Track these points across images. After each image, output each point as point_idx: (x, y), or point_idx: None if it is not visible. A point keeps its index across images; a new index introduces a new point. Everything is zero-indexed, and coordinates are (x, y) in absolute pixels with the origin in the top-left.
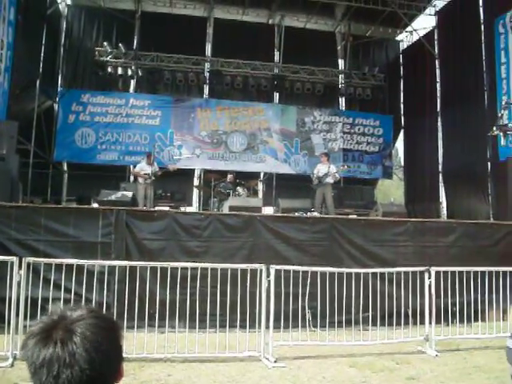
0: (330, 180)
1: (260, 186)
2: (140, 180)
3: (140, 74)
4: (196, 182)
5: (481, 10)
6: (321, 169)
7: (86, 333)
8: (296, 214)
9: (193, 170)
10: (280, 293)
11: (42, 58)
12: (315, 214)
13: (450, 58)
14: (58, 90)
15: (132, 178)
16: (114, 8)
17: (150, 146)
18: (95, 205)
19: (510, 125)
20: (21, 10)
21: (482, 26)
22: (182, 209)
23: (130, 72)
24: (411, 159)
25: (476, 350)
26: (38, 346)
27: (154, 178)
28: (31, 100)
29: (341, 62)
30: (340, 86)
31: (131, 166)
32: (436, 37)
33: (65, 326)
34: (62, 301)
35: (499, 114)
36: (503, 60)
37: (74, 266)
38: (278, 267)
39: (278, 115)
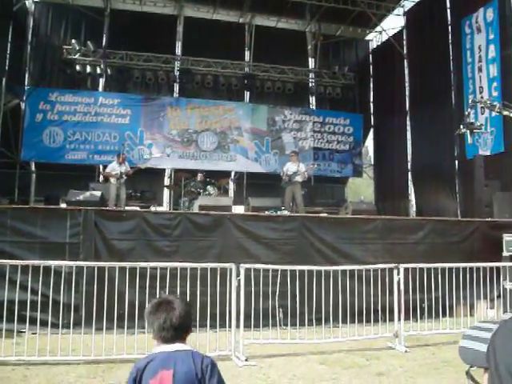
0: (299, 179)
1: (231, 185)
2: (112, 180)
3: (109, 72)
4: (166, 181)
5: (448, 10)
6: (290, 167)
7: (178, 304)
8: (266, 212)
9: (163, 170)
10: (250, 292)
11: (8, 56)
12: (285, 212)
13: (418, 58)
14: (25, 88)
15: (102, 178)
16: (82, 5)
17: (119, 145)
18: (63, 205)
19: (476, 123)
20: None
21: (450, 27)
22: (153, 208)
23: (98, 70)
24: (381, 157)
25: (444, 345)
26: (152, 313)
27: (125, 177)
28: None
29: (311, 61)
30: (310, 84)
31: (101, 166)
32: (405, 37)
33: (167, 302)
34: (28, 303)
35: (466, 113)
36: (469, 60)
37: (41, 267)
38: (248, 266)
39: (248, 114)
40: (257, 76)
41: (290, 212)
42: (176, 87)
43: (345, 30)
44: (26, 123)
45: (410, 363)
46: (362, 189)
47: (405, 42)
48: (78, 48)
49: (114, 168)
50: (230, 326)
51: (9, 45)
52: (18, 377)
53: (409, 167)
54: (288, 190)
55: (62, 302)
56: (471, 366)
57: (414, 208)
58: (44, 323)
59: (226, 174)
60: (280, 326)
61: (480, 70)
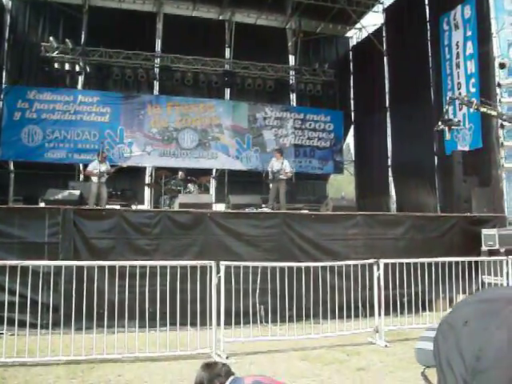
0: (282, 177)
1: (212, 183)
2: (94, 179)
3: (88, 70)
4: (147, 179)
5: (427, 7)
6: (275, 164)
7: None
8: (247, 209)
9: (144, 168)
10: (231, 289)
11: None
12: (266, 209)
13: (397, 55)
14: (3, 86)
15: (82, 177)
16: (60, 2)
17: (99, 144)
18: (42, 204)
19: (454, 120)
20: None
21: (428, 24)
22: (134, 207)
23: (77, 68)
24: (361, 154)
25: None
26: None
27: (106, 176)
28: None
29: (291, 58)
30: (291, 81)
31: (81, 165)
32: (384, 34)
33: None
34: (6, 303)
35: (444, 109)
36: (447, 56)
37: (19, 268)
38: (228, 263)
39: (229, 111)
40: (237, 73)
41: (272, 209)
42: (156, 85)
43: (325, 27)
44: (3, 122)
45: (390, 358)
46: (343, 185)
47: (384, 39)
48: (56, 45)
49: (95, 167)
50: (210, 324)
51: None
52: None
53: (389, 163)
54: (273, 187)
55: (40, 303)
56: (426, 367)
57: (395, 204)
58: (22, 324)
59: (207, 171)
60: (261, 323)
61: (458, 66)
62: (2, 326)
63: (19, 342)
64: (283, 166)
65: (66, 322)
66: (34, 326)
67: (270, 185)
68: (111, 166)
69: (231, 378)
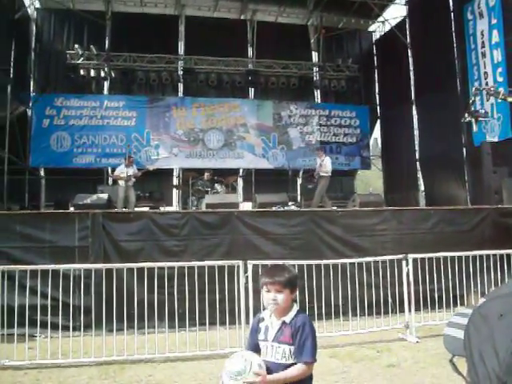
0: (322, 174)
1: (239, 183)
2: (120, 182)
3: (113, 75)
4: (175, 181)
5: None
6: (318, 162)
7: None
8: (273, 208)
9: (171, 170)
10: (259, 288)
11: (12, 64)
12: (293, 207)
13: (422, 47)
14: (31, 95)
15: (111, 181)
16: (83, 10)
17: (126, 147)
18: (72, 209)
19: (481, 111)
20: None
21: (452, 14)
22: (162, 209)
23: (102, 74)
24: (389, 148)
25: None
26: None
27: (134, 179)
28: (3, 106)
29: (314, 55)
30: (315, 78)
31: (109, 169)
32: (407, 26)
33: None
34: (39, 307)
35: (470, 101)
36: (472, 46)
37: (50, 271)
38: (256, 262)
39: (253, 110)
40: (260, 72)
41: (299, 206)
42: (180, 87)
43: (347, 22)
44: (33, 129)
45: (422, 354)
46: (372, 181)
47: (408, 32)
48: (81, 52)
49: (122, 170)
50: (239, 323)
51: (12, 53)
52: (31, 380)
53: (417, 157)
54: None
55: (72, 305)
56: (454, 355)
57: (424, 198)
58: (55, 326)
59: (234, 171)
60: None
61: (484, 55)
62: (35, 329)
63: (52, 344)
64: (323, 163)
65: (98, 323)
66: (66, 328)
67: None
68: (138, 169)
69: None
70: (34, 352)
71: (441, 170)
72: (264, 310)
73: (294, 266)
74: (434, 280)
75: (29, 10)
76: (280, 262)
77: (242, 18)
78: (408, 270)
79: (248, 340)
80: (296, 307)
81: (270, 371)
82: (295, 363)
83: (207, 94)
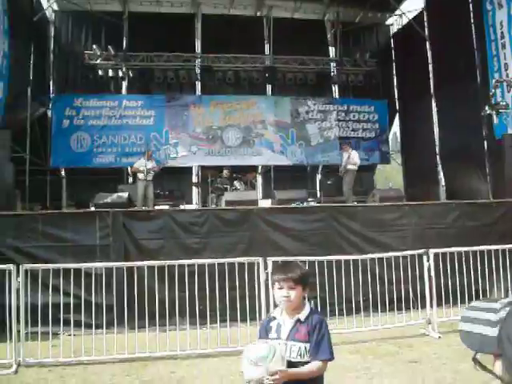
0: (350, 167)
1: (258, 180)
2: (140, 176)
3: (131, 74)
4: (194, 179)
5: None
6: (344, 156)
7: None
8: (293, 204)
9: (190, 168)
10: None
11: (31, 66)
12: (312, 203)
13: (440, 39)
14: (51, 96)
15: (131, 180)
16: (100, 10)
17: (145, 147)
18: (92, 208)
19: (501, 103)
20: (9, 18)
21: (470, 5)
22: (182, 207)
23: (120, 73)
24: (408, 143)
25: None
26: None
27: (152, 173)
28: (24, 108)
29: (331, 50)
30: (332, 73)
31: (129, 168)
32: (425, 18)
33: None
34: (62, 305)
35: (490, 93)
36: (492, 37)
37: (72, 270)
38: (276, 259)
39: (271, 107)
40: (278, 68)
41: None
42: (198, 85)
43: (364, 16)
44: (53, 130)
45: (444, 349)
46: (392, 175)
47: (426, 24)
48: (99, 53)
49: (142, 164)
50: (260, 320)
51: (32, 55)
52: (55, 378)
53: (437, 151)
54: (343, 180)
55: (94, 303)
56: (477, 352)
57: (445, 192)
58: (78, 324)
59: (253, 168)
60: None
61: (504, 46)
62: (58, 327)
63: (76, 341)
64: (351, 156)
65: (120, 321)
66: (89, 326)
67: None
68: (157, 164)
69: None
70: (58, 350)
71: (461, 163)
72: (274, 308)
73: (314, 262)
74: (456, 275)
75: (47, 13)
76: (296, 258)
77: (258, 14)
78: (429, 264)
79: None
80: (308, 305)
81: None
82: (309, 361)
83: (225, 92)
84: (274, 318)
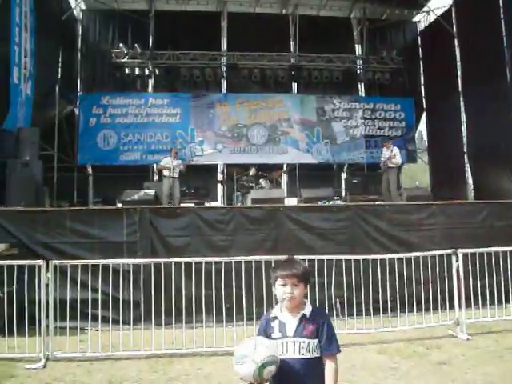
0: (391, 164)
1: (283, 178)
2: (165, 172)
3: (157, 72)
4: (219, 177)
5: None
6: (385, 154)
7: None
8: (319, 202)
9: (215, 166)
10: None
11: (60, 65)
12: (338, 202)
13: (469, 36)
14: (78, 94)
15: (156, 178)
16: (127, 9)
17: (171, 144)
18: (119, 205)
19: None
20: (37, 17)
21: (500, 0)
22: (207, 204)
23: (147, 72)
24: (435, 142)
25: (509, 332)
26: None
27: (178, 170)
28: (52, 106)
29: (358, 48)
30: (358, 71)
31: (154, 166)
32: (454, 15)
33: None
34: (90, 301)
35: None
36: None
37: (100, 266)
38: (302, 257)
39: (297, 105)
40: (303, 66)
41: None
42: (224, 83)
43: (391, 13)
44: (80, 128)
45: (473, 351)
46: (418, 174)
47: (454, 21)
48: (126, 51)
49: (167, 162)
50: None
51: (60, 53)
52: (83, 372)
53: (465, 150)
54: (384, 178)
55: (121, 299)
56: None
57: (472, 192)
58: (105, 320)
59: (278, 166)
60: (337, 316)
61: None
62: (86, 322)
63: (103, 337)
64: (392, 154)
65: (147, 317)
66: (116, 321)
67: (382, 177)
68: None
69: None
70: (86, 345)
71: (490, 162)
72: (273, 307)
73: (341, 261)
74: (486, 275)
75: (75, 12)
76: (322, 257)
77: (284, 12)
78: (458, 265)
79: None
80: (308, 302)
81: (291, 367)
82: (318, 357)
83: (250, 90)
84: (275, 318)
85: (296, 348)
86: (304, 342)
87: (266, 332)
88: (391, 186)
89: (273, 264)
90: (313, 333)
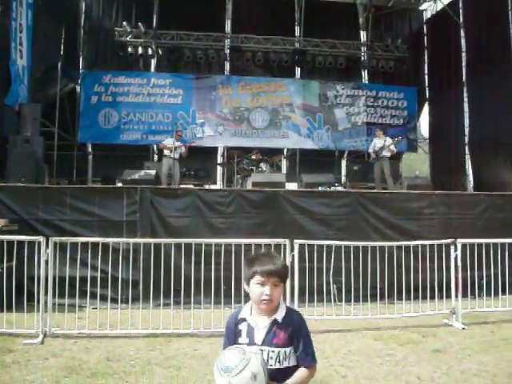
0: (386, 153)
1: (283, 162)
2: (166, 152)
3: (160, 52)
4: (219, 159)
5: None
6: (377, 143)
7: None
8: (319, 188)
9: (216, 148)
10: (304, 267)
11: (62, 41)
12: (339, 188)
13: (475, 27)
14: (80, 72)
15: (156, 158)
16: None
17: (172, 125)
18: (119, 184)
19: None
20: None
21: None
22: (207, 186)
23: (150, 51)
24: (436, 131)
25: (504, 323)
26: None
27: (178, 151)
28: (54, 83)
29: (363, 34)
30: (362, 58)
31: (155, 146)
32: (461, 5)
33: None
34: (88, 279)
35: None
36: None
37: (100, 245)
38: (302, 242)
39: (299, 90)
40: (307, 51)
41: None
42: (227, 65)
43: (397, 0)
44: (81, 106)
45: (468, 341)
46: (417, 164)
47: (461, 11)
48: (129, 30)
49: (170, 142)
50: (284, 301)
51: (63, 30)
52: (80, 349)
53: (466, 141)
54: (376, 167)
55: (120, 278)
56: None
57: (472, 182)
58: (104, 298)
59: (279, 151)
60: (334, 301)
61: None
62: (85, 300)
63: (101, 315)
64: (386, 143)
65: (145, 297)
66: (114, 300)
67: (374, 165)
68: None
69: None
70: (84, 322)
71: (491, 154)
72: (243, 305)
73: (340, 247)
74: (483, 266)
75: None
76: (323, 242)
77: None
78: (456, 255)
79: (224, 343)
80: (284, 303)
81: None
82: (290, 366)
83: (253, 73)
84: (243, 320)
85: (265, 357)
86: (273, 352)
87: (235, 335)
88: (386, 174)
89: (248, 256)
90: (285, 341)
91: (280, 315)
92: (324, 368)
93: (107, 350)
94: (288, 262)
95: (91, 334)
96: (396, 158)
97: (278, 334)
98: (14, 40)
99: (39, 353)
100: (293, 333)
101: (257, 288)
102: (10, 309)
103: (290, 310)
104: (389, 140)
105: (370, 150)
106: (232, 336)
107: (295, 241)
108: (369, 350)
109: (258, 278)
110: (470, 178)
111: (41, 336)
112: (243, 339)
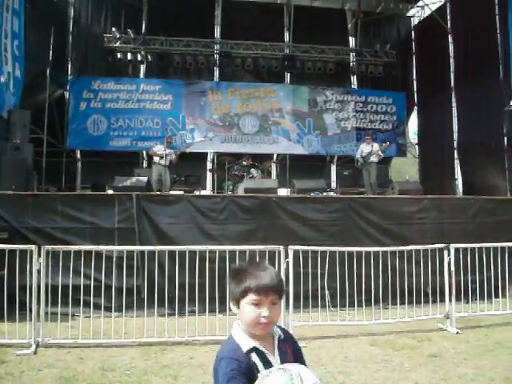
0: (374, 159)
1: (274, 168)
2: (156, 159)
3: (149, 58)
4: (209, 165)
5: None
6: (364, 148)
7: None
8: (312, 194)
9: (206, 154)
10: (299, 273)
11: (51, 47)
12: (331, 193)
13: (463, 32)
14: (69, 77)
15: (146, 164)
16: None
17: (162, 131)
18: (110, 191)
19: None
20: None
21: None
22: (197, 192)
23: (139, 57)
24: (425, 136)
25: (497, 327)
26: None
27: (168, 158)
28: (42, 89)
29: (352, 40)
30: (351, 64)
31: (144, 152)
32: (448, 10)
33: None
34: (81, 287)
35: None
36: None
37: (93, 253)
38: (296, 248)
39: (289, 96)
40: (297, 57)
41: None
42: (216, 71)
43: (386, 6)
44: (70, 112)
45: (463, 345)
46: (405, 168)
47: (448, 16)
48: (118, 36)
49: (160, 148)
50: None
51: (52, 36)
52: (74, 359)
53: (455, 145)
54: (364, 172)
55: (113, 286)
56: None
57: (461, 187)
58: (97, 307)
59: (269, 156)
60: (329, 307)
61: None
62: (78, 309)
63: (94, 324)
64: (373, 149)
65: (139, 305)
66: (107, 308)
67: (362, 170)
68: (174, 152)
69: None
70: (77, 331)
71: (480, 158)
72: (232, 337)
73: (334, 252)
74: (476, 271)
75: None
76: (317, 248)
77: (279, 1)
78: (450, 259)
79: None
80: None
81: None
82: None
83: (243, 79)
84: (254, 349)
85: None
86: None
87: (250, 370)
88: (372, 180)
89: (233, 268)
90: (293, 357)
91: (278, 330)
92: (322, 375)
93: (101, 360)
94: (283, 269)
95: (85, 343)
96: (385, 162)
97: (286, 351)
98: None
99: (33, 363)
100: (295, 348)
101: (251, 309)
102: (1, 318)
103: (279, 326)
104: (376, 145)
105: (358, 156)
106: (244, 377)
107: (289, 247)
108: (365, 356)
109: (252, 298)
110: (460, 182)
111: (33, 346)
112: (263, 369)
